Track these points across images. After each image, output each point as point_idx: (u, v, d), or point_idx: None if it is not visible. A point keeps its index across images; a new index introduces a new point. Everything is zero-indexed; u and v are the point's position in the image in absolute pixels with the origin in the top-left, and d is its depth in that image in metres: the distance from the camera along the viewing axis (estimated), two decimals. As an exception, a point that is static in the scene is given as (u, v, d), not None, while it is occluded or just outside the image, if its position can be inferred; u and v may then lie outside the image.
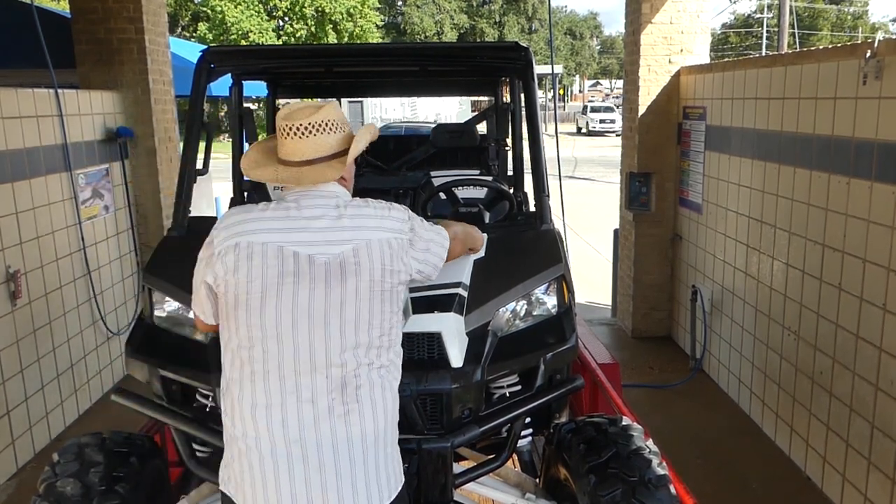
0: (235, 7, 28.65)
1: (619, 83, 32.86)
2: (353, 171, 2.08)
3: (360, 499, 1.83)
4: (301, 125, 1.88)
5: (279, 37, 29.87)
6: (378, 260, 1.87)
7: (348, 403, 1.83)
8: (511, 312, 2.54)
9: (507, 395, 2.61)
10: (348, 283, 1.84)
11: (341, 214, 1.89)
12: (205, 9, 30.04)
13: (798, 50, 4.90)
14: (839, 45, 4.38)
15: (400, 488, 1.93)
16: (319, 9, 29.71)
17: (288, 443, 1.80)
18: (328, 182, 1.92)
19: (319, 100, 2.02)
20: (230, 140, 4.45)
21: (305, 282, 1.83)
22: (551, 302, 2.61)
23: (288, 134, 1.89)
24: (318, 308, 1.83)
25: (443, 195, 3.53)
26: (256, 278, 1.82)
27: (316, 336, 1.83)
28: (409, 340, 2.34)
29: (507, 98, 5.11)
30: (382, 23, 38.22)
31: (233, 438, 1.87)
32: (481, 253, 2.66)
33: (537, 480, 2.84)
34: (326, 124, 1.90)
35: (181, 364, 2.48)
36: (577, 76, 60.14)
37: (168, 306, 2.63)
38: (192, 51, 8.65)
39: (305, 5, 29.55)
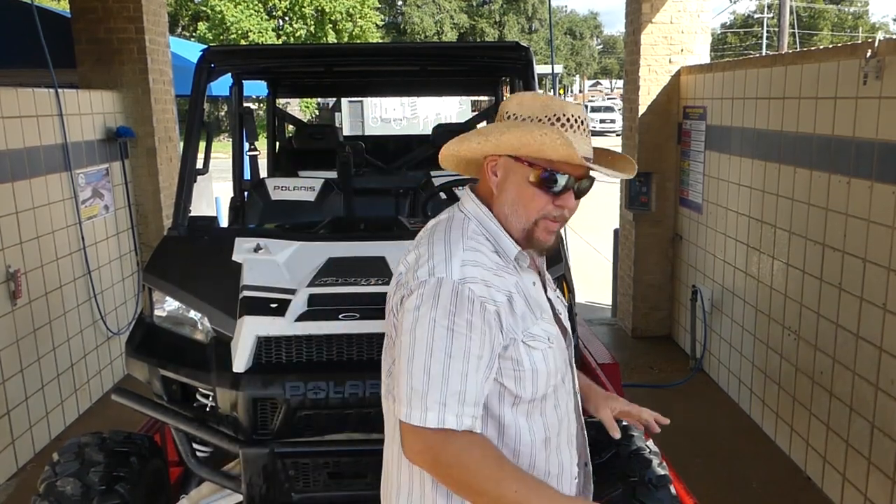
0: (235, 7, 28.64)
1: (619, 83, 32.84)
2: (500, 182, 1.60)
3: None
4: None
5: (279, 37, 29.86)
6: (390, 301, 1.59)
7: None
8: (511, 312, 2.53)
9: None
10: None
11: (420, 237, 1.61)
12: (205, 9, 30.04)
13: (798, 50, 4.90)
14: (839, 44, 4.38)
15: None
16: (319, 9, 29.71)
17: None
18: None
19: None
20: (230, 140, 4.45)
21: None
22: (551, 302, 2.60)
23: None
24: None
25: (443, 195, 3.53)
26: None
27: None
28: None
29: (507, 98, 5.10)
30: (382, 23, 38.20)
31: None
32: None
33: (537, 480, 2.83)
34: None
35: (181, 364, 2.48)
36: (578, 76, 60.11)
37: (168, 306, 2.63)
38: (192, 51, 8.65)
39: (305, 5, 29.54)
